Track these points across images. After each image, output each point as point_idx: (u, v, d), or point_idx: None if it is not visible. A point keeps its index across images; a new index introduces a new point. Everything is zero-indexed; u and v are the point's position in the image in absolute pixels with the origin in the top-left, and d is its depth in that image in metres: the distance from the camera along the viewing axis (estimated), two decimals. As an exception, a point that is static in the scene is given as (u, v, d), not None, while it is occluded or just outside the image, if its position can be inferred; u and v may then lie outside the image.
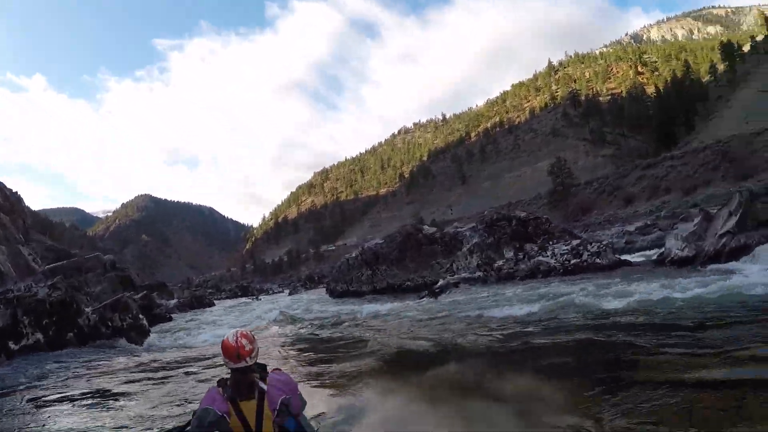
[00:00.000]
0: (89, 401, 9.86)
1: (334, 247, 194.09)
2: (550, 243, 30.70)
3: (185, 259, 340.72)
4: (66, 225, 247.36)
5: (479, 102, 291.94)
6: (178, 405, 8.84)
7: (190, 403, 8.67)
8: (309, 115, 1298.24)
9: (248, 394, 3.67)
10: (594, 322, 12.24)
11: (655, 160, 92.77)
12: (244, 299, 71.65)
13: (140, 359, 15.54)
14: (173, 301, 48.48)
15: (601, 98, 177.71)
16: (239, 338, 3.66)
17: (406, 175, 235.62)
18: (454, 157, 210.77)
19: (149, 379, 11.86)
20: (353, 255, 51.18)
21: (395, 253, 47.38)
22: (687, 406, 5.80)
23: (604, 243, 28.76)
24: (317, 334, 17.83)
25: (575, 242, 29.69)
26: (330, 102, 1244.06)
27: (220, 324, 30.15)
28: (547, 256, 28.96)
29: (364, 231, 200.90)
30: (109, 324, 20.09)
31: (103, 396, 10.27)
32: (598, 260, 26.43)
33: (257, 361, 3.80)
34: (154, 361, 15.00)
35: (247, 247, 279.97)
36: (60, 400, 10.10)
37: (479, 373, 8.62)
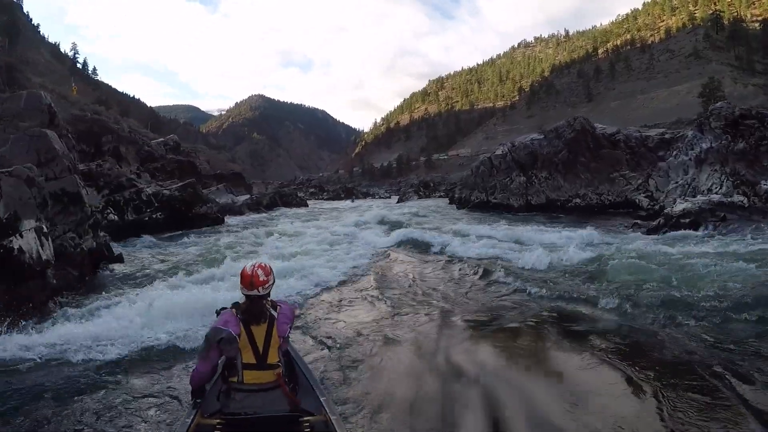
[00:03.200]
0: None
1: (446, 156, 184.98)
2: None
3: (295, 160, 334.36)
4: (180, 121, 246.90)
5: (603, 21, 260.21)
6: None
7: None
8: (423, 23, 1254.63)
9: (259, 318, 3.82)
10: None
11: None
12: (346, 203, 58.43)
13: None
14: (244, 197, 35.69)
15: (745, 24, 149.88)
16: (256, 269, 3.86)
17: (527, 89, 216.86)
18: (581, 72, 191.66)
19: None
20: (499, 152, 36.27)
21: (563, 155, 32.11)
22: None
23: None
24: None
25: None
26: (445, 11, 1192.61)
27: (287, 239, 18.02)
28: None
29: (479, 143, 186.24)
30: None
31: None
32: None
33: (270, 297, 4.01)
34: None
35: (357, 150, 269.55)
36: None
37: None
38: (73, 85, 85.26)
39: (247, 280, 3.80)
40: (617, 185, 30.85)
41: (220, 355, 3.84)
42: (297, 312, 4.52)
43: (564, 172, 31.72)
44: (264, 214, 33.16)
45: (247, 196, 36.04)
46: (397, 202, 60.40)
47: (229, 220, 28.01)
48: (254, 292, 3.81)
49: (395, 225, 22.78)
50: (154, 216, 21.83)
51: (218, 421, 3.69)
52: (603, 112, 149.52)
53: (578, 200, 30.90)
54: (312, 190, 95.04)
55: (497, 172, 34.83)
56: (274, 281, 4.00)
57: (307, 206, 46.45)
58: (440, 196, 65.09)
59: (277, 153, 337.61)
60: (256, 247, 16.41)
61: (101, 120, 39.48)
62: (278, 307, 3.98)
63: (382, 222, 24.72)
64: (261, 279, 3.82)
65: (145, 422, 4.91)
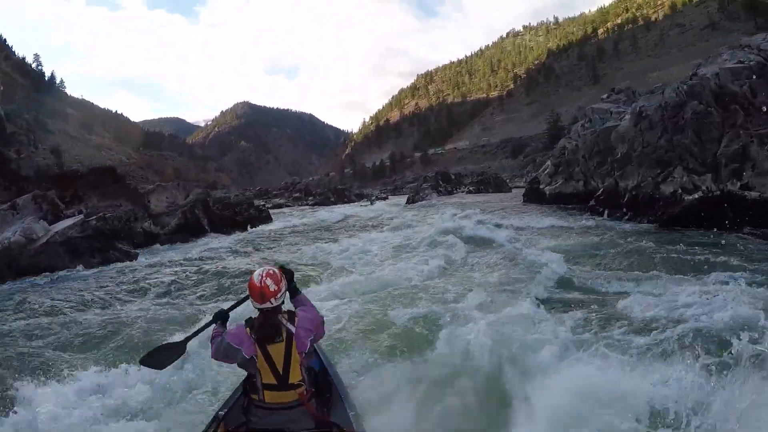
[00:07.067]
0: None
1: (443, 150, 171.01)
2: None
3: (284, 166, 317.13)
4: (165, 134, 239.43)
5: (591, 8, 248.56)
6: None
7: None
8: (408, 22, 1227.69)
9: (275, 336, 3.30)
10: None
11: None
12: (341, 207, 38.20)
13: None
14: (68, 223, 13.49)
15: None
16: (264, 278, 3.28)
17: (522, 76, 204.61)
18: (581, 54, 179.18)
19: None
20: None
21: None
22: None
23: None
24: None
25: None
26: (429, 9, 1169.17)
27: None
28: None
29: (476, 134, 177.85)
30: None
31: None
32: None
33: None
34: None
35: (347, 151, 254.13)
36: None
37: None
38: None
39: (257, 293, 3.26)
40: None
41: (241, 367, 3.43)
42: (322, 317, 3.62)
43: None
44: (111, 267, 12.83)
45: (77, 219, 13.86)
46: (408, 203, 40.88)
47: None
48: (267, 305, 3.27)
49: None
50: None
51: None
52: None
53: None
54: (296, 194, 76.15)
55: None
56: (286, 288, 3.43)
57: (270, 221, 26.10)
58: (469, 192, 45.39)
59: (266, 160, 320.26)
60: None
61: None
62: (296, 318, 3.43)
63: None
64: (272, 289, 3.27)
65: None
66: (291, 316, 3.40)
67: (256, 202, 34.87)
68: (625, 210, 17.30)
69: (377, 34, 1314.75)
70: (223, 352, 3.36)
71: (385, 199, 58.44)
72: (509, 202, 29.85)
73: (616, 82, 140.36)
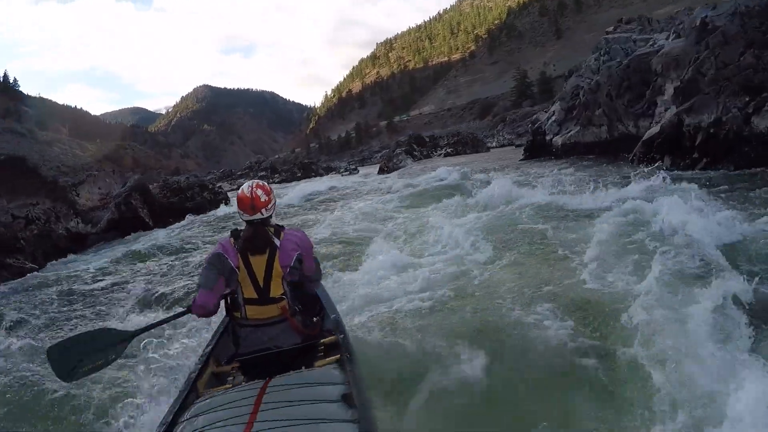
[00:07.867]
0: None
1: (408, 117, 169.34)
2: None
3: (250, 146, 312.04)
4: (127, 125, 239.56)
5: None
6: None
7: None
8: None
9: (261, 249, 3.08)
10: None
11: None
12: (308, 183, 34.86)
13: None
14: None
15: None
16: (254, 189, 3.13)
17: (484, 36, 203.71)
18: (543, 10, 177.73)
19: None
20: None
21: None
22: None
23: None
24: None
25: None
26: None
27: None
28: None
29: (441, 98, 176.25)
30: None
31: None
32: None
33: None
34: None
35: (311, 126, 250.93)
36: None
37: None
38: None
39: (247, 203, 3.09)
40: None
41: (227, 285, 3.10)
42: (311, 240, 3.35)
43: None
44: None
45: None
46: (381, 173, 38.10)
47: None
48: (257, 216, 3.09)
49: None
50: None
51: (233, 366, 3.20)
52: (577, 49, 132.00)
53: None
54: (262, 173, 72.45)
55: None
56: (275, 201, 3.26)
57: (228, 203, 22.80)
58: (448, 154, 43.40)
59: (230, 141, 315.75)
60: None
61: None
62: (282, 233, 3.17)
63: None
64: (263, 199, 3.11)
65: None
66: (278, 230, 3.18)
67: (220, 185, 31.42)
68: (697, 155, 12.81)
69: (330, 5, 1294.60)
70: (215, 269, 3.01)
71: (354, 171, 55.13)
72: (504, 160, 26.09)
73: (579, 36, 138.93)
